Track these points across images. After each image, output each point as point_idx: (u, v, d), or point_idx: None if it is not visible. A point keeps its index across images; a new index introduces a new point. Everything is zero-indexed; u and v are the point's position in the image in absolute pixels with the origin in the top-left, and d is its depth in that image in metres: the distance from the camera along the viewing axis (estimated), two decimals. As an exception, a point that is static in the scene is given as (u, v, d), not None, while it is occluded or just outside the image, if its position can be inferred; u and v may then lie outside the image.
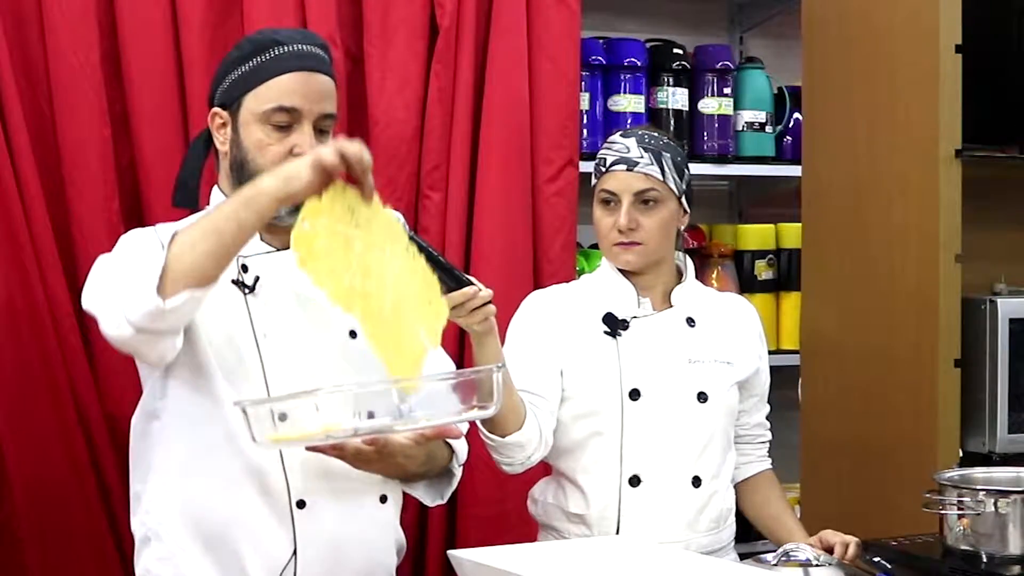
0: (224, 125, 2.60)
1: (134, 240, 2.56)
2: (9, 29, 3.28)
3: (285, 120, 2.54)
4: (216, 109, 2.61)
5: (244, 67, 2.57)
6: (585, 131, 4.09)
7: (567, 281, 3.31)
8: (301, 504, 2.56)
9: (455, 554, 2.43)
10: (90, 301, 2.46)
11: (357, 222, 2.38)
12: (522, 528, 3.38)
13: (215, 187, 2.67)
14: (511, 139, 3.72)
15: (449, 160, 3.65)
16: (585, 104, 4.08)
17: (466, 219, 3.67)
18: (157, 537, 2.63)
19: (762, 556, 2.64)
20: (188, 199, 2.65)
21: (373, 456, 2.49)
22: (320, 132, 2.57)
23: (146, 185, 3.41)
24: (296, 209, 2.43)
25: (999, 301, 3.30)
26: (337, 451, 2.46)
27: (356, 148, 2.32)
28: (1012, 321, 3.30)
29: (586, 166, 3.91)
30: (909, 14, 3.31)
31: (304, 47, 2.59)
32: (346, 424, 2.29)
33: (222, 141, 2.61)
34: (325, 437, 2.32)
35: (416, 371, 2.37)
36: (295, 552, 2.56)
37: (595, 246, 4.22)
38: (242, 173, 2.55)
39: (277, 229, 2.56)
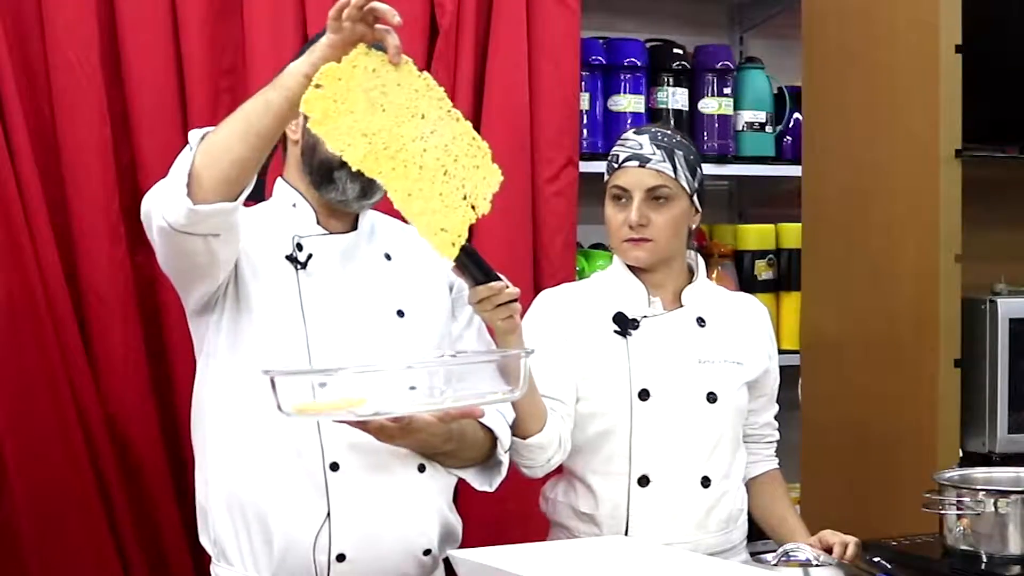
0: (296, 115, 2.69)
1: None
2: (9, 29, 3.28)
3: None
4: None
5: None
6: (585, 131, 4.08)
7: (567, 281, 3.31)
8: (335, 467, 2.60)
9: (455, 554, 2.43)
10: (143, 206, 2.57)
11: (384, 85, 2.41)
12: (522, 528, 3.38)
13: (279, 178, 2.77)
14: (511, 139, 3.71)
15: (449, 160, 3.65)
16: (585, 104, 4.08)
17: (466, 219, 3.67)
18: (203, 507, 2.70)
19: (762, 556, 2.65)
20: (254, 192, 2.73)
21: (396, 432, 2.53)
22: None
23: (146, 185, 3.38)
24: (364, 194, 2.63)
25: (999, 301, 3.30)
26: (360, 425, 2.50)
27: None
28: (1012, 321, 3.30)
29: (586, 166, 3.92)
30: (909, 14, 3.31)
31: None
32: (369, 403, 2.34)
33: (293, 130, 2.71)
34: (347, 413, 2.37)
35: (455, 237, 2.44)
36: (328, 515, 2.59)
37: (595, 246, 4.22)
38: (313, 156, 2.68)
39: (337, 213, 2.70)
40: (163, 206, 2.46)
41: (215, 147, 2.43)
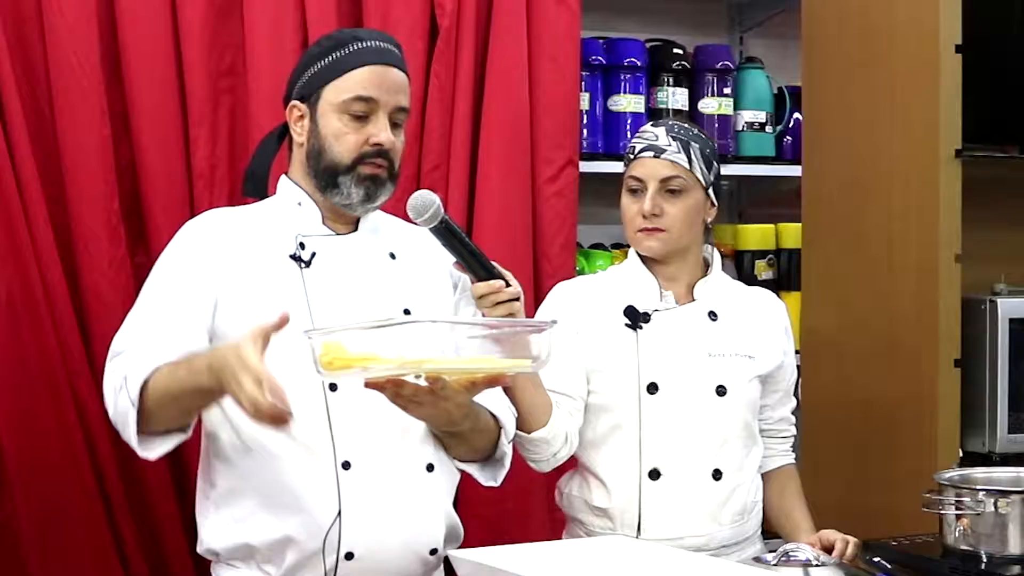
0: (302, 117, 2.71)
1: (169, 278, 2.69)
2: (9, 29, 3.28)
3: (363, 110, 2.65)
4: (295, 102, 2.72)
5: (324, 61, 2.67)
6: (585, 131, 4.09)
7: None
8: (347, 465, 2.60)
9: (455, 554, 2.44)
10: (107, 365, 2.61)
11: None
12: (522, 528, 3.38)
13: (283, 176, 2.77)
14: (511, 139, 3.71)
15: (449, 160, 3.65)
16: (585, 104, 4.08)
17: (466, 219, 3.67)
18: (205, 507, 2.71)
19: (762, 556, 2.65)
20: (257, 189, 2.78)
21: (427, 397, 2.49)
22: (394, 125, 2.68)
23: (146, 185, 3.41)
24: (368, 198, 2.65)
25: (999, 301, 3.30)
26: (395, 387, 2.45)
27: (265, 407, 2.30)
28: (1012, 321, 3.30)
29: (586, 166, 3.92)
30: (909, 14, 3.31)
31: (381, 43, 2.71)
32: (415, 354, 2.30)
33: (299, 132, 2.71)
34: (397, 367, 2.33)
35: None
36: (339, 513, 2.58)
37: (595, 246, 4.23)
38: (319, 161, 2.68)
39: (342, 215, 2.70)
40: (117, 420, 2.54)
41: (160, 406, 2.48)
